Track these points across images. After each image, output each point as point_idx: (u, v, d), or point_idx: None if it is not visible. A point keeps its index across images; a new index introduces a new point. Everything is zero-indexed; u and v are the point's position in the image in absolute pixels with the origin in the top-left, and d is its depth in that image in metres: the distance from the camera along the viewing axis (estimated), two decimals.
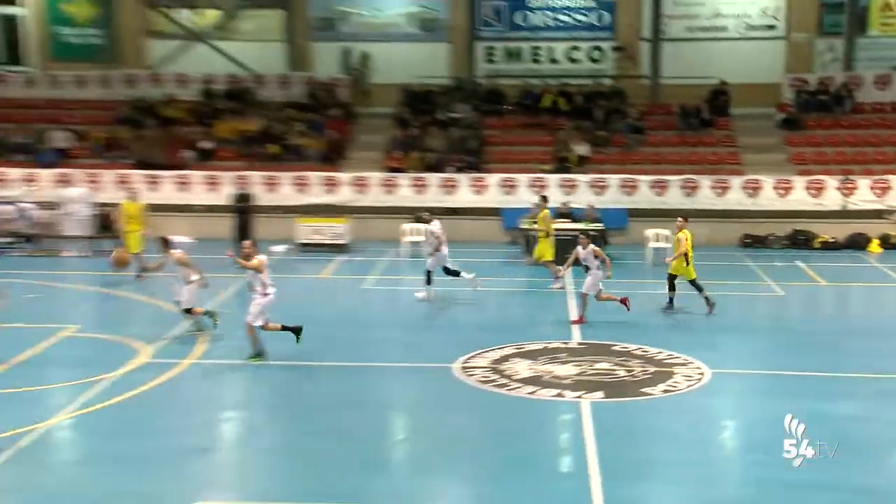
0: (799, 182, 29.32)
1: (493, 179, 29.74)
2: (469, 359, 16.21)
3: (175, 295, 17.69)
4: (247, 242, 16.59)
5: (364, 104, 35.12)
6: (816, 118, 32.97)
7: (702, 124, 32.82)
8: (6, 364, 15.68)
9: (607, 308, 19.55)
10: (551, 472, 11.86)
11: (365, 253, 26.96)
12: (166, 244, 18.12)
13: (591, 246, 18.99)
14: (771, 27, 35.57)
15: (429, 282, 20.86)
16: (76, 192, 28.08)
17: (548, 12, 35.83)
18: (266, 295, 15.93)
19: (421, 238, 26.77)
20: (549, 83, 34.89)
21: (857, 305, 23.22)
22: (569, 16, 35.78)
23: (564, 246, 25.25)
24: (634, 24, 35.64)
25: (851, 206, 29.14)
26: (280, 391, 15.02)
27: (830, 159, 31.12)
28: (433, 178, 29.99)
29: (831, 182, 29.16)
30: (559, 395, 14.42)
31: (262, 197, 28.73)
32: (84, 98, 34.76)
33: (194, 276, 17.42)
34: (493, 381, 15.13)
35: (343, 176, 30.18)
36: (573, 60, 36.15)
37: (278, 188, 29.85)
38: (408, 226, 27.10)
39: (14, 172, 29.89)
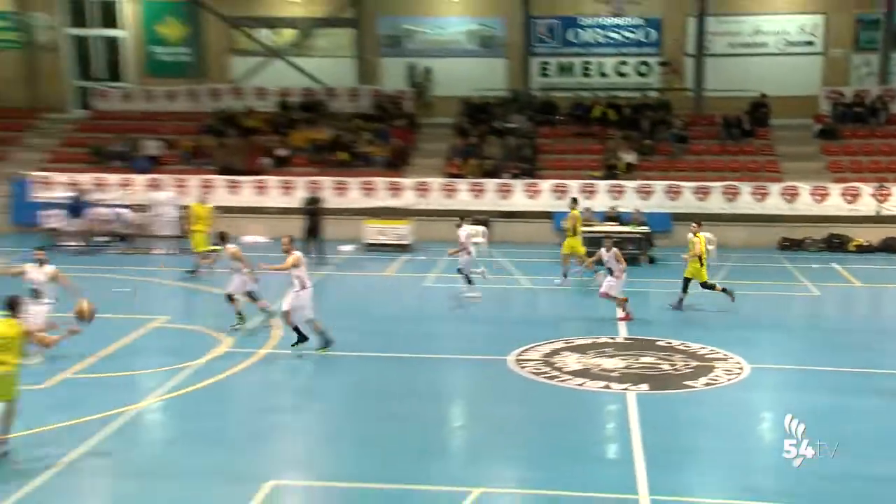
0: (835, 189, 28.78)
1: (545, 185, 29.58)
2: (522, 352, 16.13)
3: (242, 286, 17.67)
4: (285, 238, 16.45)
5: (427, 115, 35.15)
6: (852, 129, 32.33)
7: (743, 134, 32.35)
8: (104, 351, 15.95)
9: (652, 305, 19.38)
10: (598, 459, 11.76)
11: (426, 253, 26.96)
12: (223, 239, 18.30)
13: (615, 250, 18.80)
14: (809, 43, 34.92)
15: (469, 281, 20.82)
16: (164, 196, 28.46)
17: (598, 30, 35.56)
18: (304, 289, 15.95)
19: (480, 239, 26.74)
20: (598, 95, 34.63)
21: (891, 306, 22.65)
22: (618, 33, 35.48)
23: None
24: (679, 41, 35.24)
25: (885, 212, 28.54)
26: (347, 380, 15.06)
27: (865, 167, 30.49)
28: (490, 183, 29.92)
29: (866, 189, 28.59)
30: (606, 386, 14.29)
31: (332, 200, 28.86)
32: (174, 110, 35.24)
33: (245, 270, 17.51)
34: (545, 372, 15.04)
35: (406, 181, 30.23)
36: (621, 74, 35.84)
37: (347, 192, 29.98)
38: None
39: (112, 178, 30.37)
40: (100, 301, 19.44)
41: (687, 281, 19.63)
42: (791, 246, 28.24)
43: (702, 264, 19.50)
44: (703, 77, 34.25)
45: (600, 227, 25.76)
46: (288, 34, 37.12)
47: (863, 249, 27.80)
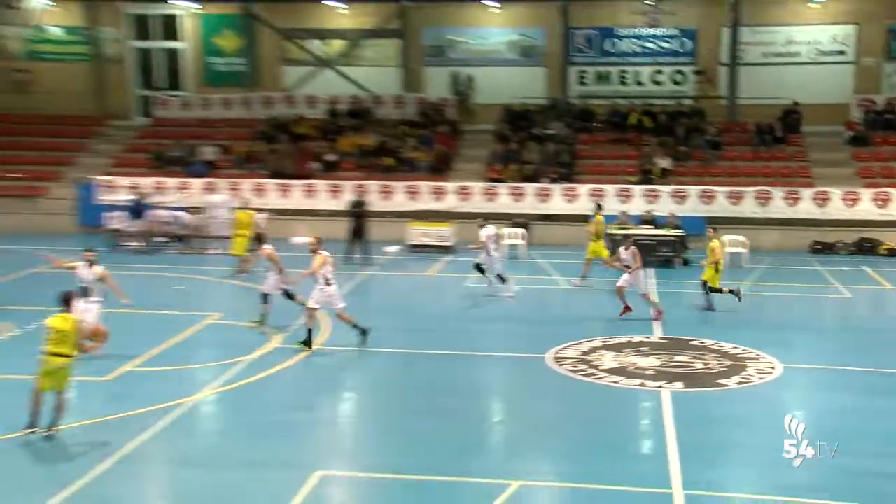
0: (866, 194, 28.26)
1: (583, 189, 29.38)
2: (560, 350, 16.03)
3: (276, 286, 17.60)
4: (312, 239, 16.44)
5: (469, 121, 35.08)
6: (883, 135, 31.72)
7: (775, 141, 31.89)
8: (162, 346, 16.12)
9: (685, 306, 19.18)
10: (633, 455, 11.66)
11: (468, 254, 26.88)
12: (259, 241, 18.39)
13: (633, 248, 18.67)
14: (841, 52, 34.34)
15: (503, 280, 20.75)
16: (218, 199, 28.67)
17: (634, 40, 35.28)
18: (329, 285, 15.95)
19: (519, 241, 26.66)
20: (634, 103, 34.34)
21: None
22: (654, 43, 35.17)
23: (644, 249, 24.96)
24: (714, 51, 34.83)
25: None
26: (392, 376, 15.06)
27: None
28: (529, 187, 29.79)
29: None
30: (641, 384, 14.16)
31: (378, 203, 28.90)
32: (229, 117, 35.52)
33: (278, 271, 17.43)
34: (582, 370, 14.94)
35: (449, 185, 30.20)
36: (657, 83, 35.53)
37: (392, 195, 30.00)
38: (506, 230, 26.96)
39: (170, 182, 30.66)
40: (158, 298, 19.77)
41: (705, 283, 19.43)
42: (822, 249, 27.79)
43: (717, 271, 19.26)
44: (736, 85, 33.82)
45: (636, 230, 25.57)
46: (337, 45, 37.27)
47: (893, 253, 27.24)
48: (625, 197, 28.57)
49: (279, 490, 10.19)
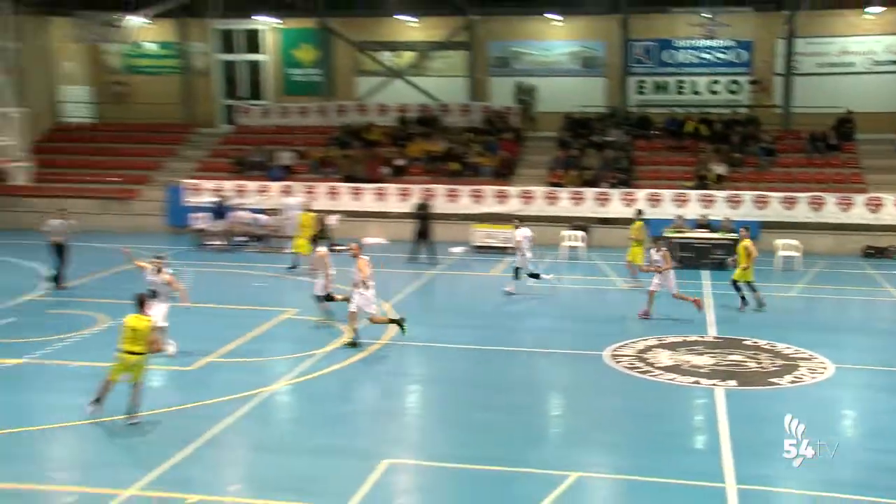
0: None
1: (641, 194, 28.98)
2: (618, 348, 15.84)
3: (323, 288, 17.40)
4: (353, 245, 16.41)
5: (531, 129, 34.92)
6: None
7: (828, 148, 31.08)
8: (241, 339, 16.33)
9: (736, 307, 18.80)
10: (688, 450, 11.46)
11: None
12: (315, 243, 18.43)
13: (664, 250, 18.41)
14: (895, 62, 33.34)
15: (536, 277, 20.67)
16: (294, 201, 28.94)
17: (692, 51, 34.72)
18: (368, 289, 15.91)
19: (579, 244, 26.42)
20: (691, 112, 33.78)
21: None
22: (710, 54, 34.58)
23: (699, 252, 24.58)
24: (769, 61, 34.09)
25: None
26: (456, 370, 15.03)
27: None
28: (589, 192, 29.50)
29: None
30: (696, 382, 13.91)
31: (444, 206, 28.89)
32: (305, 125, 35.87)
33: (330, 272, 17.26)
34: (638, 368, 14.73)
35: (512, 189, 30.05)
36: (713, 92, 34.91)
37: (458, 199, 29.98)
38: (567, 232, 26.76)
39: (251, 185, 31.12)
40: (239, 294, 20.03)
41: (735, 282, 19.02)
42: (875, 254, 26.97)
43: (745, 268, 18.83)
44: (790, 95, 33.07)
45: (692, 234, 25.16)
46: (407, 56, 37.41)
47: None
48: (681, 202, 28.11)
49: (349, 476, 10.23)
